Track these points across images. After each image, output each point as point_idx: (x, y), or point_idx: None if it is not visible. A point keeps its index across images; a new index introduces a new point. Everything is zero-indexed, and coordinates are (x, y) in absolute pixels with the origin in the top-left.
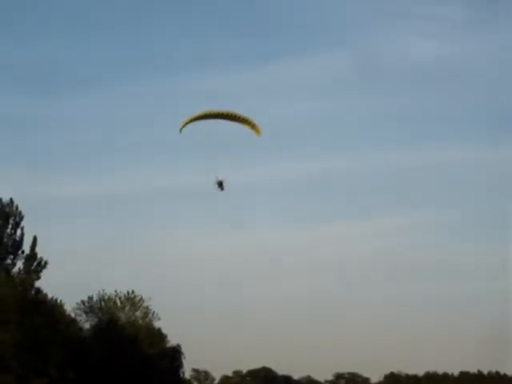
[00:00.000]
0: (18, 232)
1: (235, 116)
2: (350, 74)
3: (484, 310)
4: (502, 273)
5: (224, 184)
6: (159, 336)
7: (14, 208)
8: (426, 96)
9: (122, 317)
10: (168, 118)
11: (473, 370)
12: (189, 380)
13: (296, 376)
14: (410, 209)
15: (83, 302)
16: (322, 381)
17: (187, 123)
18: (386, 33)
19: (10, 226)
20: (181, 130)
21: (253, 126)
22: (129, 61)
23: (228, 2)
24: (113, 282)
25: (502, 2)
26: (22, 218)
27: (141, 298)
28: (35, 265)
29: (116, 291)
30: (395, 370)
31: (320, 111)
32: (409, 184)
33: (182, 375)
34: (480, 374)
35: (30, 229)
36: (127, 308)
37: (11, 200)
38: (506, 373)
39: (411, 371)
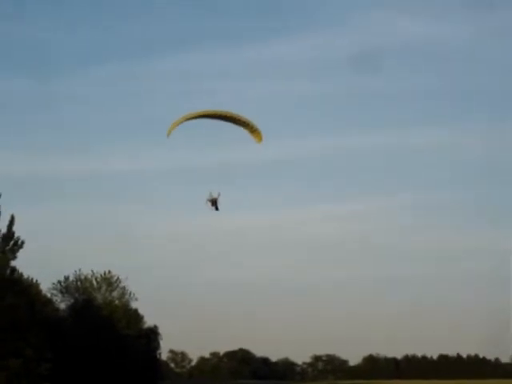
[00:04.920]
0: None
1: (235, 118)
2: (342, 55)
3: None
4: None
5: (218, 203)
6: (136, 317)
7: None
8: (419, 77)
9: (99, 297)
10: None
11: (452, 353)
12: (165, 361)
13: (274, 358)
14: (407, 190)
15: (59, 282)
16: (300, 363)
17: (178, 125)
18: (377, 12)
19: None
20: (168, 134)
21: (253, 130)
22: (130, 39)
23: None
24: (89, 263)
25: None
26: None
27: (117, 279)
28: (11, 244)
29: (92, 271)
30: (374, 353)
31: (309, 92)
32: (406, 165)
33: (158, 356)
34: (459, 358)
35: (6, 208)
36: (104, 288)
37: None
38: (486, 356)
39: (390, 354)
